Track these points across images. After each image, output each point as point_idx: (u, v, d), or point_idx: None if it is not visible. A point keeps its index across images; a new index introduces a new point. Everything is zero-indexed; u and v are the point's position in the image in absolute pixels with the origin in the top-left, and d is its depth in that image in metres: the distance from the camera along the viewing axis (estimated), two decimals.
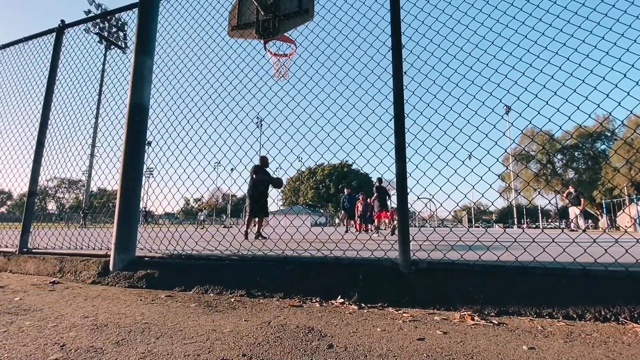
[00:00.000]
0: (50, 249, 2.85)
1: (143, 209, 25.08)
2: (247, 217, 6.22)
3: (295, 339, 1.16)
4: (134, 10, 3.08)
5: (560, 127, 1.90)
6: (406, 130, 1.96)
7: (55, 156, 3.27)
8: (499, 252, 1.91)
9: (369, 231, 10.20)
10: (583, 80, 1.69)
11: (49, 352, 1.01)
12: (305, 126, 2.44)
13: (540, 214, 27.20)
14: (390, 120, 2.00)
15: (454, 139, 1.97)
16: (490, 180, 2.61)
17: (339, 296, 1.75)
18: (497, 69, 2.00)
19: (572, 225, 12.02)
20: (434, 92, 2.07)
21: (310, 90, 2.46)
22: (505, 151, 2.14)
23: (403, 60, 2.03)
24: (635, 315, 1.37)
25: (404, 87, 2.00)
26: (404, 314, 1.50)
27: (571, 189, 12.10)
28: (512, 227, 27.08)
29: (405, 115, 1.97)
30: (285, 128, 2.47)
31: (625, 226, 15.52)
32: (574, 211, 11.71)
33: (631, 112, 1.79)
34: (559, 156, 30.59)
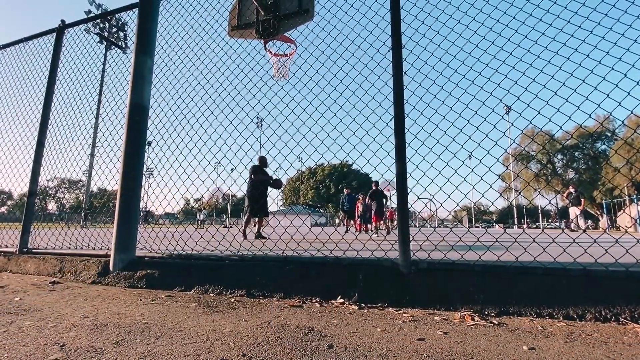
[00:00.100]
0: (51, 249, 2.85)
1: (143, 209, 25.08)
2: (246, 216, 6.22)
3: (295, 339, 1.16)
4: (134, 10, 3.08)
5: (561, 127, 1.90)
6: (406, 130, 1.95)
7: (56, 156, 3.28)
8: (499, 252, 1.91)
9: (369, 231, 10.19)
10: (583, 80, 1.69)
11: (49, 352, 1.01)
12: (305, 126, 2.44)
13: (540, 214, 27.18)
14: (391, 120, 2.00)
15: (454, 139, 1.97)
16: (490, 180, 2.61)
17: (339, 296, 1.75)
18: (497, 69, 2.00)
19: (572, 225, 12.01)
20: (434, 92, 2.07)
21: (311, 90, 2.46)
22: (506, 151, 2.14)
23: (403, 60, 2.03)
24: (636, 315, 1.37)
25: (404, 87, 2.00)
26: (404, 314, 1.50)
27: (571, 189, 12.10)
28: (513, 227, 27.07)
29: (406, 115, 1.97)
30: (286, 128, 2.47)
31: (626, 226, 15.51)
32: (574, 211, 11.71)
33: (631, 112, 1.79)
34: (559, 156, 30.59)
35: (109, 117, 3.30)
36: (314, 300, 1.74)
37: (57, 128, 3.33)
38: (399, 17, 2.08)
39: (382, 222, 9.69)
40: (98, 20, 24.06)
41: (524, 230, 3.26)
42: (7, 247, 3.08)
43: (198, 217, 28.80)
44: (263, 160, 6.17)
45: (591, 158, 29.04)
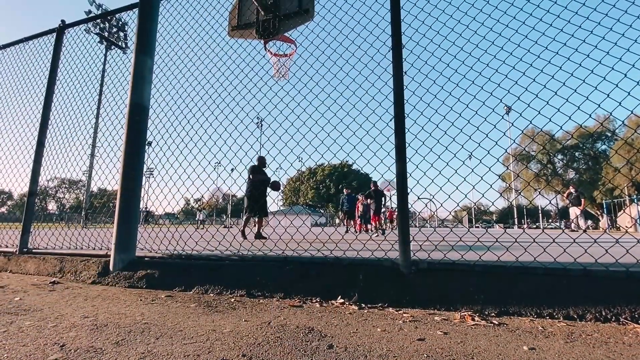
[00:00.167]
0: (51, 249, 2.85)
1: (144, 209, 25.07)
2: (245, 216, 6.21)
3: (296, 339, 1.16)
4: (134, 10, 3.08)
5: (561, 127, 1.90)
6: (406, 130, 1.95)
7: (56, 156, 3.28)
8: (500, 252, 1.91)
9: (369, 231, 10.20)
10: (583, 81, 1.69)
11: (49, 352, 1.01)
12: (305, 126, 2.44)
13: (540, 214, 27.18)
14: (391, 120, 2.00)
15: (454, 139, 1.96)
16: (490, 180, 2.61)
17: (339, 296, 1.75)
18: (498, 69, 2.00)
19: (572, 225, 12.01)
20: (435, 92, 2.07)
21: (311, 90, 2.46)
22: (506, 151, 2.14)
23: (403, 60, 2.03)
24: (636, 315, 1.37)
25: (404, 87, 1.99)
26: (404, 314, 1.50)
27: (572, 189, 12.10)
28: (513, 228, 27.06)
29: (406, 115, 1.97)
30: (286, 128, 2.47)
31: (626, 226, 15.50)
32: (574, 211, 11.71)
33: (632, 112, 1.79)
34: (560, 156, 30.58)
35: (109, 117, 3.30)
36: (314, 301, 1.74)
37: (57, 128, 3.33)
38: (399, 17, 2.08)
39: (379, 221, 9.74)
40: (98, 21, 24.07)
41: (524, 231, 3.26)
42: (7, 247, 3.08)
43: (197, 216, 28.77)
44: (262, 161, 6.14)
45: (591, 158, 29.04)
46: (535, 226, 29.50)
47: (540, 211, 27.91)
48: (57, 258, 2.54)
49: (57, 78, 3.34)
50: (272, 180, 6.06)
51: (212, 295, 1.89)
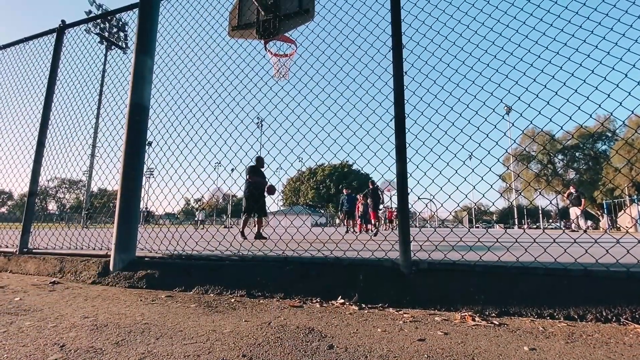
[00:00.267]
0: (51, 249, 2.85)
1: (144, 209, 25.06)
2: (244, 216, 6.20)
3: (296, 339, 1.16)
4: (134, 10, 3.08)
5: (561, 127, 1.89)
6: (407, 130, 1.95)
7: (56, 156, 3.28)
8: (500, 253, 1.91)
9: (369, 231, 10.20)
10: (584, 81, 1.69)
11: (49, 353, 1.00)
12: (305, 126, 2.44)
13: (541, 215, 27.16)
14: (391, 120, 2.00)
15: (454, 139, 1.96)
16: (491, 180, 2.60)
17: (340, 296, 1.75)
18: (498, 69, 2.00)
19: (573, 225, 12.00)
20: (435, 92, 2.07)
21: (311, 90, 2.46)
22: (506, 151, 2.14)
23: (404, 60, 2.03)
24: (637, 316, 1.37)
25: (405, 87, 1.99)
26: (404, 315, 1.50)
27: (572, 190, 12.08)
28: (513, 228, 27.04)
29: (406, 116, 1.97)
30: (286, 128, 2.47)
31: (626, 226, 15.49)
32: (574, 211, 11.70)
33: (632, 112, 1.79)
34: (560, 156, 30.57)
35: (109, 117, 3.30)
36: (314, 301, 1.73)
37: (57, 128, 3.33)
38: (400, 17, 2.08)
39: (377, 219, 9.83)
40: (98, 21, 24.08)
41: (524, 231, 3.25)
42: (7, 247, 3.08)
43: (197, 216, 28.74)
44: (260, 161, 6.11)
45: (592, 158, 29.03)
46: (535, 226, 29.48)
47: (540, 211, 27.90)
48: (57, 258, 2.54)
49: (58, 78, 3.34)
50: (268, 184, 6.05)
51: (212, 295, 1.88)
